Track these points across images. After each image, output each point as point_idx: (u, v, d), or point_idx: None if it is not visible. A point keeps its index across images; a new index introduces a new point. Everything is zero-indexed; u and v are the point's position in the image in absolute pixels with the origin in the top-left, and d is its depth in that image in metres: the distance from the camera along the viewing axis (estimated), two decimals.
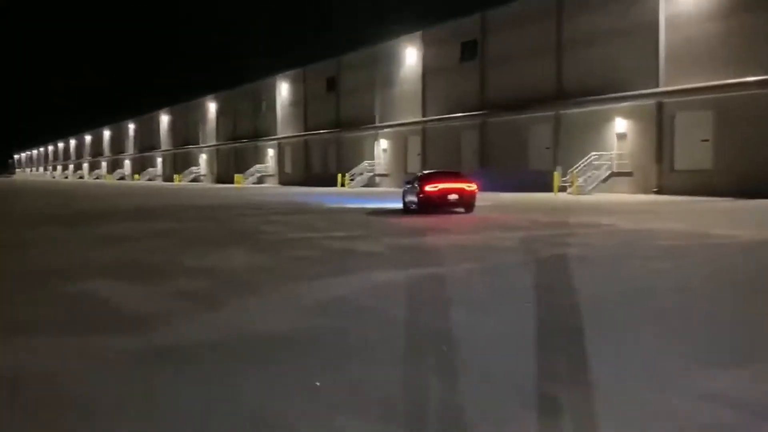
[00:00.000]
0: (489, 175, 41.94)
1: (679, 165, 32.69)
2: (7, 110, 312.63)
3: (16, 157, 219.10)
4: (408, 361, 4.80)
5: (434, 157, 48.88)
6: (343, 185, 53.30)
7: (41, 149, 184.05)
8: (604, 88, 35.56)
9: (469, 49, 46.55)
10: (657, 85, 33.27)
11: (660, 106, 33.34)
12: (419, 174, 25.49)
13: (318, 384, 4.17)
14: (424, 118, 50.13)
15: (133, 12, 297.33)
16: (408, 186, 23.78)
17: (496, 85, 44.37)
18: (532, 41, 40.95)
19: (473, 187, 21.97)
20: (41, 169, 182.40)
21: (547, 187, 36.64)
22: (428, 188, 21.39)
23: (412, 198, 22.48)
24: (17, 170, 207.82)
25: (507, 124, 43.20)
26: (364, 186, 52.49)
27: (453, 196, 21.39)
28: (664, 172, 33.26)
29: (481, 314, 6.38)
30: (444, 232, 15.48)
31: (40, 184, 77.35)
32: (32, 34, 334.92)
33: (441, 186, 21.48)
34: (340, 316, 6.47)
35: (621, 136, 35.46)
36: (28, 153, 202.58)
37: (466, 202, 21.67)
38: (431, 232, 15.38)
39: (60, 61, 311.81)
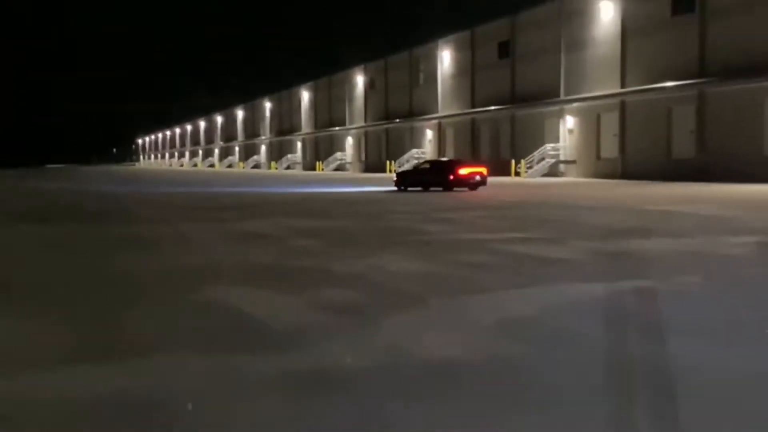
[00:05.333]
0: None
1: None
2: (131, 92, 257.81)
3: (139, 141, 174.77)
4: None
5: (637, 137, 32.37)
6: (517, 174, 37.22)
7: (165, 133, 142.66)
8: None
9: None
10: None
11: None
12: (426, 163, 28.33)
13: None
14: (624, 90, 33.04)
15: None
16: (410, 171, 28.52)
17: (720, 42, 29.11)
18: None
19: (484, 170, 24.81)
20: (164, 156, 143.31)
21: None
22: (461, 171, 23.77)
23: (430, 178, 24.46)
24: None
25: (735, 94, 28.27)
26: (544, 175, 35.80)
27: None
28: None
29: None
30: None
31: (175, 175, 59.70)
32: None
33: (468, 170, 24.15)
34: None
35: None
36: (152, 137, 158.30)
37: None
38: None
39: (187, 38, 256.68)
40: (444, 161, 28.58)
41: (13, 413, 2.92)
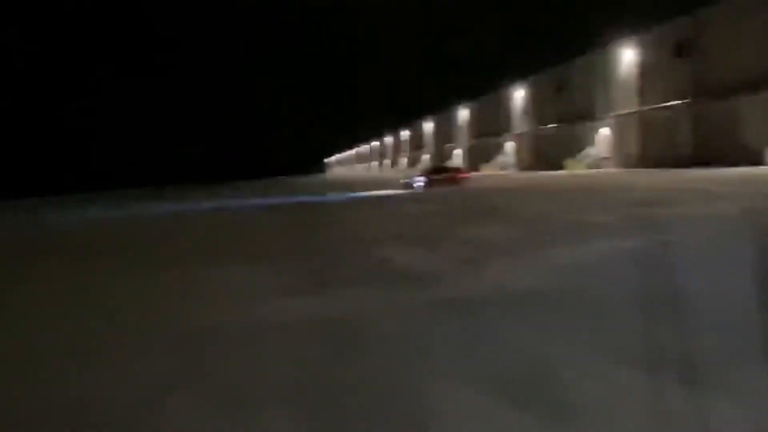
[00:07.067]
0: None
1: None
2: (322, 126, 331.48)
3: (328, 159, 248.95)
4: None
5: (651, 141, 46.46)
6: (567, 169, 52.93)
7: (348, 151, 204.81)
8: None
9: (683, 47, 43.13)
10: None
11: None
12: (436, 167, 43.30)
13: None
14: (641, 108, 47.52)
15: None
16: (421, 178, 34.05)
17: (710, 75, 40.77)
18: (746, 31, 37.43)
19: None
20: (350, 168, 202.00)
21: (761, 163, 33.74)
22: (466, 174, 37.08)
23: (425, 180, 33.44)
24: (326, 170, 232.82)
25: (720, 108, 39.36)
26: (588, 168, 51.36)
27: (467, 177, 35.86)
28: None
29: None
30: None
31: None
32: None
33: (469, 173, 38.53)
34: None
35: None
36: (337, 156, 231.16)
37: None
38: None
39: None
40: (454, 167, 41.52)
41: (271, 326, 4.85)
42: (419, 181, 33.20)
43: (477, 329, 4.39)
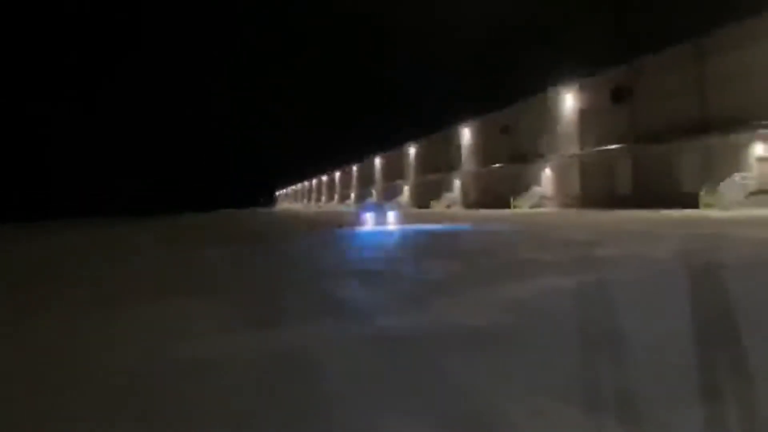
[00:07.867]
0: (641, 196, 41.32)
1: None
2: (271, 157, 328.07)
3: (277, 193, 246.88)
4: None
5: (591, 183, 48.49)
6: (515, 207, 54.23)
7: (295, 186, 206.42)
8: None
9: (620, 93, 45.58)
10: None
11: None
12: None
13: None
14: (581, 150, 49.68)
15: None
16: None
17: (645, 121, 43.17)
18: (679, 81, 39.75)
19: None
20: (296, 202, 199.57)
21: (695, 205, 35.47)
22: None
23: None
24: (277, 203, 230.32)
25: (657, 152, 41.66)
26: (531, 207, 52.90)
27: None
28: None
29: None
30: None
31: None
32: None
33: None
34: None
35: (762, 159, 33.50)
36: (285, 190, 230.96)
37: None
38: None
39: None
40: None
41: (219, 360, 4.72)
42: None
43: (418, 365, 4.42)
